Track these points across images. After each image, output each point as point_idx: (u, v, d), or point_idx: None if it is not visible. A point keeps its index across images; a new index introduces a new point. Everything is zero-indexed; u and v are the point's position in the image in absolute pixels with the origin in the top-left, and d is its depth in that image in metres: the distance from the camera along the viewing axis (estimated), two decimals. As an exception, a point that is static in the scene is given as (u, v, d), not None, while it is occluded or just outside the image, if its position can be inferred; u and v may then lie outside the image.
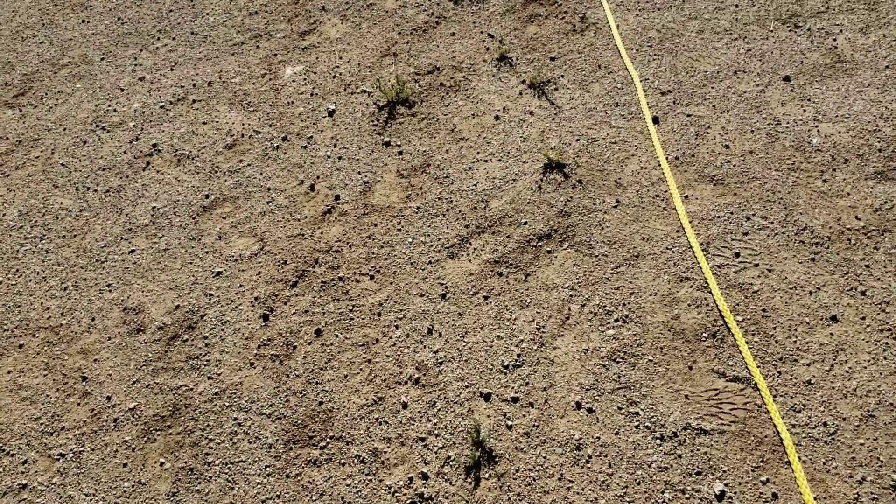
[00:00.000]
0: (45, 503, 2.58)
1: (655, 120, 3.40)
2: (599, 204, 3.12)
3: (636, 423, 2.47)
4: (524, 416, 2.55)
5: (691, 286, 2.79)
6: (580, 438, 2.47)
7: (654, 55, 3.67)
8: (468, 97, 3.66)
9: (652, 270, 2.88)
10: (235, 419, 2.69)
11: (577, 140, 3.36)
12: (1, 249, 3.38)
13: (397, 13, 4.17)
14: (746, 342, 2.60)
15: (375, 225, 3.23)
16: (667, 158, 3.24)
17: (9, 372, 2.95)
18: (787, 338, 2.59)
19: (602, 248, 2.97)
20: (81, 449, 2.69)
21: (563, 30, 3.87)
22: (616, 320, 2.74)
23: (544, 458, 2.45)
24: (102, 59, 4.24)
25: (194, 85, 3.97)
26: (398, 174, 3.40)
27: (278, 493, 2.49)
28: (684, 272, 2.85)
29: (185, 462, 2.61)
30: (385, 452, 2.54)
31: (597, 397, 2.55)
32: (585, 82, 3.61)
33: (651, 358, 2.61)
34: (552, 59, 3.74)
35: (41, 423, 2.79)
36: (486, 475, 2.44)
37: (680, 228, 3.00)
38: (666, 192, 3.13)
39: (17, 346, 3.03)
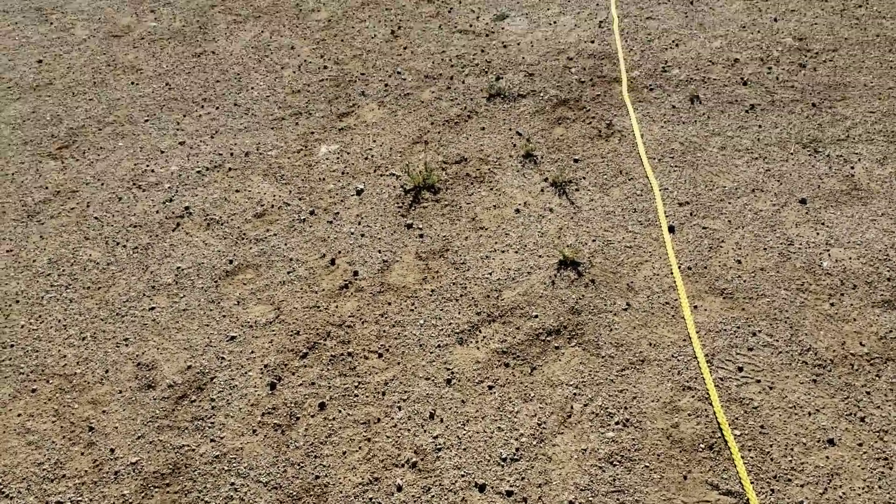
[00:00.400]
0: (35, 550, 2.61)
1: (671, 229, 3.50)
2: (610, 305, 3.19)
3: (627, 529, 2.48)
4: (517, 510, 2.57)
5: (693, 396, 2.82)
6: (570, 538, 2.47)
7: (676, 166, 3.79)
8: (491, 189, 3.78)
9: (656, 377, 2.92)
10: (232, 484, 2.72)
11: (594, 241, 3.46)
12: (27, 294, 3.49)
13: (432, 104, 4.34)
14: (742, 457, 2.62)
15: (389, 304, 3.31)
16: (679, 268, 3.32)
17: (19, 415, 3.02)
18: (783, 456, 2.60)
19: (609, 350, 3.03)
20: (80, 499, 2.73)
21: (589, 134, 4.02)
22: (617, 423, 2.78)
23: (533, 554, 2.45)
24: (146, 120, 4.43)
25: (232, 154, 4.13)
26: (417, 256, 3.50)
27: (266, 563, 2.51)
28: (687, 381, 2.89)
29: (178, 522, 2.64)
30: (375, 533, 2.55)
31: (591, 498, 2.56)
32: (606, 186, 3.72)
33: (647, 464, 2.63)
34: (576, 160, 3.87)
35: (43, 469, 2.83)
36: (474, 566, 2.44)
37: (687, 338, 3.05)
38: (676, 300, 3.19)
39: (30, 390, 3.10)
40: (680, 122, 4.05)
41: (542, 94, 4.30)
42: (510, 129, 4.11)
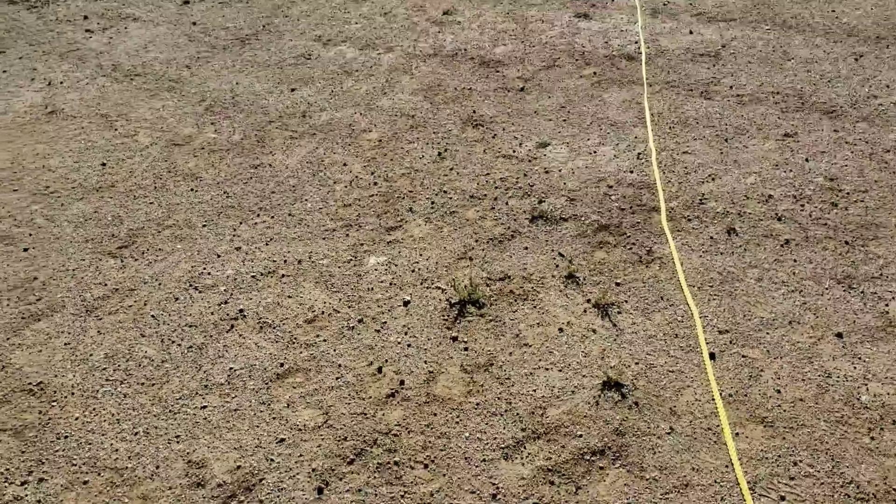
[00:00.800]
0: None
1: (712, 356, 3.59)
2: (654, 428, 3.25)
3: None
4: None
5: (739, 523, 2.85)
6: None
7: (715, 295, 3.92)
8: (535, 307, 3.91)
9: (700, 501, 2.96)
10: (279, 588, 2.74)
11: (636, 363, 3.55)
12: (82, 387, 3.60)
13: (477, 223, 4.54)
14: (791, 589, 2.62)
15: (435, 415, 3.38)
16: (720, 394, 3.39)
17: (69, 506, 3.07)
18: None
19: (653, 472, 3.07)
20: None
21: (630, 259, 4.18)
22: (662, 546, 2.80)
23: None
24: (204, 225, 4.64)
25: (285, 261, 4.31)
26: (462, 369, 3.59)
27: None
28: (731, 508, 2.93)
29: None
30: None
31: None
32: (648, 311, 3.85)
33: (695, 590, 2.64)
34: (617, 284, 4.01)
35: (90, 563, 2.87)
36: None
37: (729, 464, 3.10)
38: (718, 426, 3.26)
39: (82, 481, 3.16)
40: (718, 252, 4.20)
41: (583, 219, 4.49)
42: (552, 251, 4.27)
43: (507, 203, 4.70)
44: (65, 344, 3.84)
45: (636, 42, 6.65)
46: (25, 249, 4.53)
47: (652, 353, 3.61)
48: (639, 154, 5.08)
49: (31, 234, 4.66)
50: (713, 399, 3.38)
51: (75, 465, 3.24)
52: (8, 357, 3.78)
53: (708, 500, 2.96)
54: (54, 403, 3.52)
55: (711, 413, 3.32)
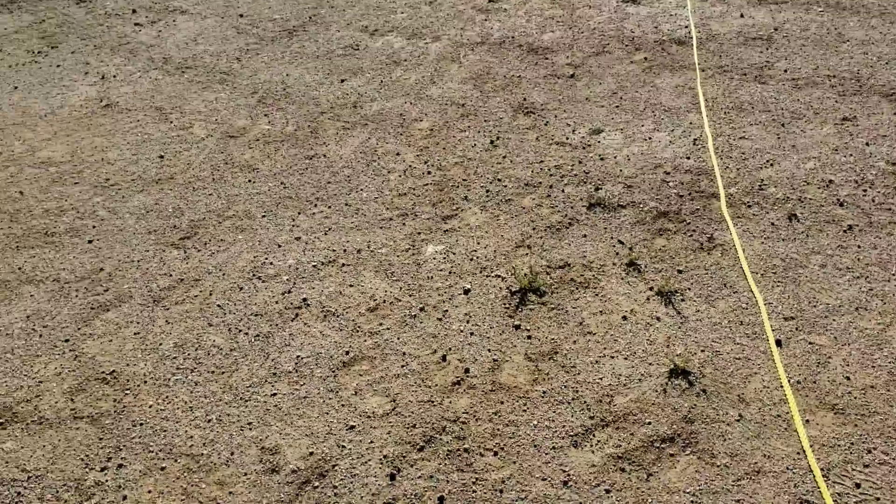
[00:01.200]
0: None
1: (778, 343, 3.57)
2: (723, 415, 3.24)
3: None
4: None
5: (815, 510, 2.84)
6: None
7: (778, 282, 3.88)
8: (597, 295, 3.91)
9: (772, 488, 2.95)
10: (357, 572, 2.79)
11: (703, 351, 3.54)
12: (154, 375, 3.68)
13: (534, 210, 4.54)
14: (873, 576, 2.61)
15: (502, 403, 3.41)
16: (788, 381, 3.37)
17: (149, 492, 3.15)
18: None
19: (724, 459, 3.07)
20: (208, 577, 2.82)
21: (691, 246, 4.15)
22: (738, 533, 2.80)
23: None
24: (264, 216, 4.71)
25: (345, 250, 4.36)
26: (526, 357, 3.61)
27: None
28: (805, 494, 2.91)
29: None
30: None
31: None
32: (711, 298, 3.83)
33: (774, 577, 2.64)
34: (679, 271, 4.00)
35: (172, 546, 2.94)
36: None
37: (801, 451, 3.08)
38: (787, 413, 3.24)
39: (159, 468, 3.24)
40: (779, 238, 4.16)
41: (641, 206, 4.47)
42: (612, 238, 4.26)
43: (563, 190, 4.69)
44: (134, 333, 3.93)
45: (686, 26, 6.58)
46: (90, 241, 4.63)
47: (718, 341, 3.60)
48: (695, 140, 5.03)
49: (94, 227, 4.76)
50: (781, 386, 3.36)
51: (152, 451, 3.32)
52: (80, 346, 3.88)
53: (781, 486, 2.95)
54: (128, 392, 3.61)
55: (780, 400, 3.30)
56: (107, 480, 3.20)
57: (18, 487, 3.20)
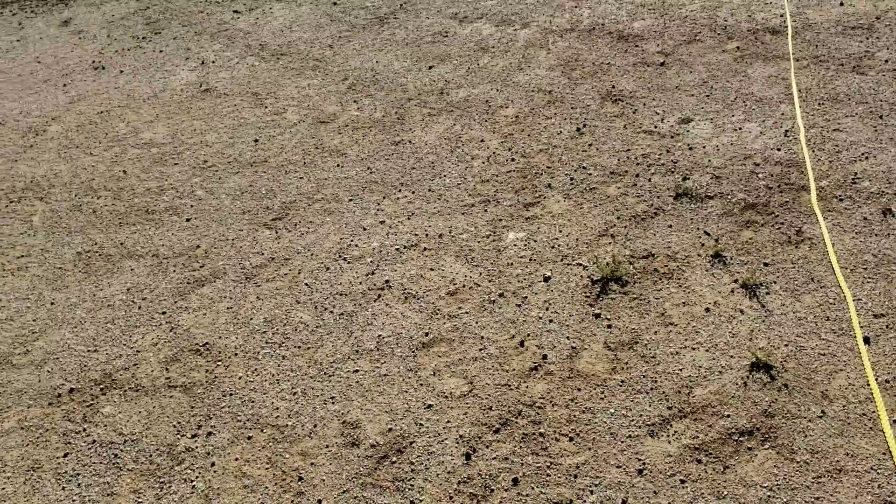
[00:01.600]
0: (250, 585, 2.84)
1: (866, 340, 3.47)
2: (804, 411, 3.19)
3: None
4: None
5: (898, 512, 2.77)
6: None
7: (869, 278, 3.77)
8: (680, 286, 3.88)
9: (854, 487, 2.89)
10: (432, 546, 2.88)
11: (786, 345, 3.48)
12: (244, 348, 3.85)
13: (618, 199, 4.52)
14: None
15: (579, 390, 3.43)
16: (876, 380, 3.28)
17: (236, 459, 3.32)
18: None
19: (804, 456, 3.02)
20: (290, 542, 2.96)
21: (778, 239, 4.07)
22: (816, 530, 2.76)
23: None
24: (350, 199, 4.84)
25: (427, 235, 4.44)
26: (605, 346, 3.62)
27: None
28: (889, 496, 2.84)
29: (382, 576, 2.81)
30: None
31: None
32: (797, 292, 3.75)
33: (852, 576, 2.60)
34: (765, 264, 3.92)
35: (258, 511, 3.10)
36: None
37: (887, 451, 3.00)
38: (873, 412, 3.16)
39: (246, 437, 3.41)
40: (872, 234, 4.03)
41: (729, 197, 4.40)
42: (698, 229, 4.21)
43: (649, 180, 4.65)
44: (227, 308, 4.12)
45: (781, 15, 6.38)
46: (188, 220, 4.86)
47: (802, 336, 3.52)
48: (786, 131, 4.91)
49: (192, 206, 4.99)
50: (868, 384, 3.27)
51: (240, 421, 3.49)
52: (176, 319, 4.09)
53: (863, 486, 2.89)
54: (219, 363, 3.79)
55: (866, 398, 3.22)
56: (197, 447, 3.39)
57: (115, 450, 3.41)
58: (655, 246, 4.15)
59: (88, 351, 3.94)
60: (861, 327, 3.53)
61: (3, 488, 3.29)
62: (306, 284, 4.20)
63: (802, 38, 5.99)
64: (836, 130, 4.85)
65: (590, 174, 4.80)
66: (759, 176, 4.54)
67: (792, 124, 4.97)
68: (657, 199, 4.48)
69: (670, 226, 4.27)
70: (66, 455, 3.41)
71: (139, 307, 4.19)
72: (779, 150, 4.75)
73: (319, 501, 3.10)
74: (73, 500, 3.21)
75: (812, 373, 3.35)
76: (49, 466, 3.36)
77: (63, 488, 3.27)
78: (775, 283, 3.82)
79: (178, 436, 3.46)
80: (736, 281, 3.85)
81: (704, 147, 4.87)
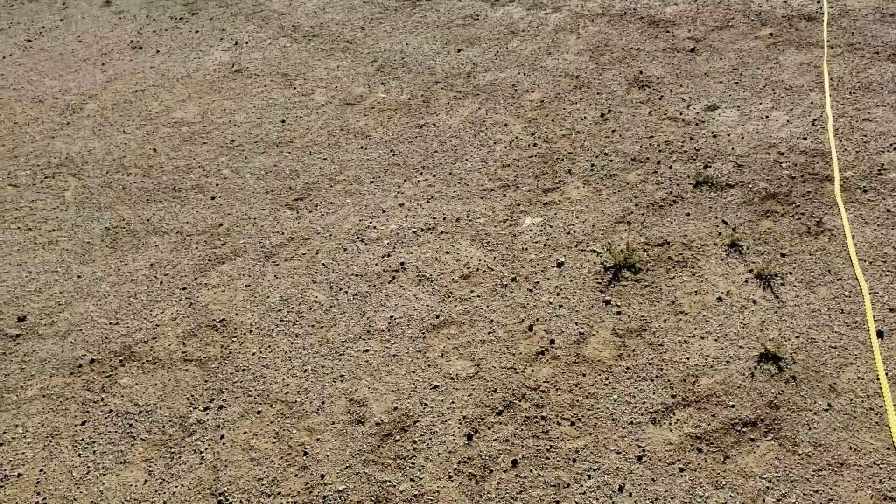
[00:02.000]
0: (251, 554, 2.92)
1: (880, 334, 3.42)
2: (811, 404, 3.16)
3: None
4: None
5: (897, 508, 2.74)
6: None
7: (888, 271, 3.70)
8: (693, 275, 3.86)
9: (855, 481, 2.86)
10: (428, 523, 2.93)
11: (797, 337, 3.44)
12: (259, 325, 3.93)
13: (637, 186, 4.50)
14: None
15: (584, 375, 3.44)
16: (887, 375, 3.23)
17: (245, 433, 3.40)
18: None
19: (807, 448, 3.00)
20: (292, 514, 3.04)
21: (798, 230, 4.01)
22: (811, 523, 2.74)
23: None
24: (372, 182, 4.89)
25: (444, 218, 4.47)
26: (613, 332, 3.62)
27: None
28: (890, 491, 2.81)
29: (378, 550, 2.87)
30: (559, 592, 2.66)
31: None
32: (813, 284, 3.70)
33: (844, 570, 2.58)
34: (782, 255, 3.88)
35: (262, 484, 3.18)
36: None
37: (891, 446, 2.96)
38: (881, 406, 3.12)
39: (255, 411, 3.49)
40: (894, 226, 3.95)
41: (750, 186, 4.34)
42: (716, 218, 4.17)
43: (670, 167, 4.61)
44: (245, 286, 4.21)
45: (818, 1, 6.24)
46: (213, 198, 4.96)
47: (814, 328, 3.48)
48: (814, 120, 4.81)
49: (217, 185, 5.09)
50: (878, 378, 3.22)
51: (251, 395, 3.57)
52: (196, 295, 4.19)
53: (864, 480, 2.86)
54: (234, 339, 3.88)
55: (875, 393, 3.17)
56: (208, 419, 3.48)
57: (130, 419, 3.53)
58: (671, 234, 4.12)
59: (110, 323, 4.06)
60: (875, 321, 3.47)
61: (23, 453, 3.42)
62: (323, 265, 4.27)
63: (838, 25, 5.85)
64: (866, 120, 4.75)
65: (611, 160, 4.77)
66: (782, 165, 4.47)
67: (820, 113, 4.88)
68: (677, 187, 4.44)
69: (688, 214, 4.24)
70: (83, 423, 3.53)
71: (161, 282, 4.30)
72: (805, 139, 4.66)
73: (322, 476, 3.17)
74: (88, 467, 3.33)
75: (821, 365, 3.31)
76: (67, 434, 3.49)
77: (79, 455, 3.39)
78: (791, 274, 3.77)
79: (191, 408, 3.56)
80: (751, 271, 3.82)
81: (729, 135, 4.81)
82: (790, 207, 4.17)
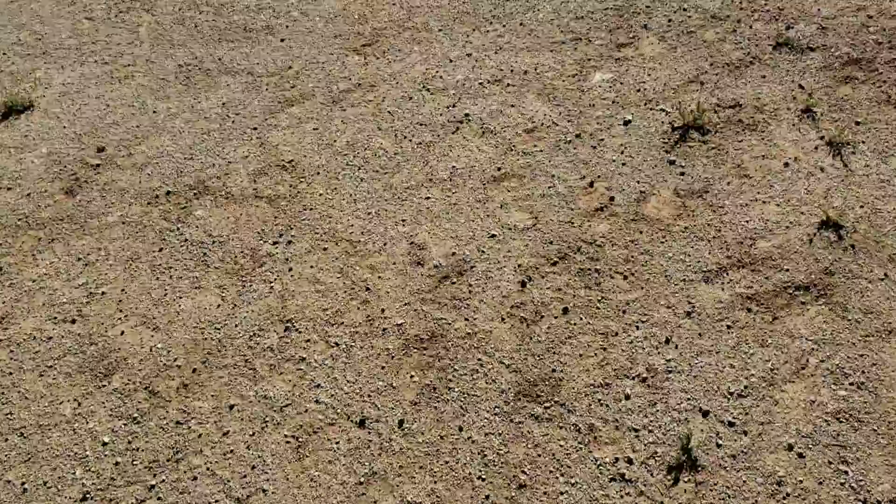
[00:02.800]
0: (315, 377, 3.15)
1: (950, 208, 3.36)
2: (867, 272, 3.17)
3: (842, 481, 2.57)
4: (736, 440, 2.73)
5: (940, 376, 2.79)
6: (783, 476, 2.61)
7: (969, 144, 3.58)
8: (762, 139, 3.79)
9: (902, 350, 2.91)
10: (479, 360, 3.10)
11: (861, 206, 3.40)
12: (326, 168, 4.05)
13: (714, 45, 4.35)
14: (983, 445, 2.59)
15: (641, 232, 3.49)
16: (952, 248, 3.21)
17: (311, 267, 3.58)
18: None
19: (857, 315, 3.04)
20: (352, 344, 3.25)
21: (877, 98, 3.87)
22: (851, 384, 2.82)
23: (743, 482, 2.62)
24: (440, 30, 4.82)
25: (511, 70, 4.43)
26: (675, 192, 3.63)
27: (500, 431, 2.88)
28: (937, 362, 2.86)
29: (431, 381, 3.07)
30: (600, 430, 2.84)
31: (810, 446, 2.67)
32: (886, 154, 3.61)
33: (876, 427, 2.68)
34: (857, 123, 3.76)
35: (326, 314, 3.38)
36: (686, 479, 2.66)
37: (945, 319, 2.99)
38: (941, 280, 3.11)
39: (322, 248, 3.66)
40: (985, 98, 3.78)
41: (832, 50, 4.16)
42: (792, 81, 4.04)
43: (750, 26, 4.43)
44: (313, 129, 4.29)
45: None
46: (282, 40, 4.98)
47: (881, 199, 3.43)
48: (914, -19, 4.52)
49: (287, 27, 5.09)
50: (942, 253, 3.20)
51: (317, 233, 3.73)
52: (266, 135, 4.30)
53: (912, 350, 2.91)
54: (302, 179, 4.01)
55: (936, 267, 3.16)
56: (277, 252, 3.67)
57: (205, 248, 3.74)
58: (744, 96, 4.02)
59: (185, 158, 4.22)
60: (947, 195, 3.41)
61: (106, 274, 3.68)
62: (389, 112, 4.31)
63: None
64: (971, -17, 4.44)
65: (689, 17, 4.60)
66: (869, 29, 4.25)
67: (921, -26, 4.57)
68: (755, 48, 4.28)
69: (764, 76, 4.11)
70: (161, 249, 3.76)
71: (233, 121, 4.42)
72: (900, 1, 4.41)
73: (383, 310, 3.35)
74: (165, 290, 3.57)
75: (883, 236, 3.29)
76: (146, 259, 3.73)
77: (157, 278, 3.63)
78: (864, 143, 3.68)
79: (261, 241, 3.74)
80: (822, 138, 3.73)
81: (817, -6, 4.56)
82: (872, 74, 4.00)
